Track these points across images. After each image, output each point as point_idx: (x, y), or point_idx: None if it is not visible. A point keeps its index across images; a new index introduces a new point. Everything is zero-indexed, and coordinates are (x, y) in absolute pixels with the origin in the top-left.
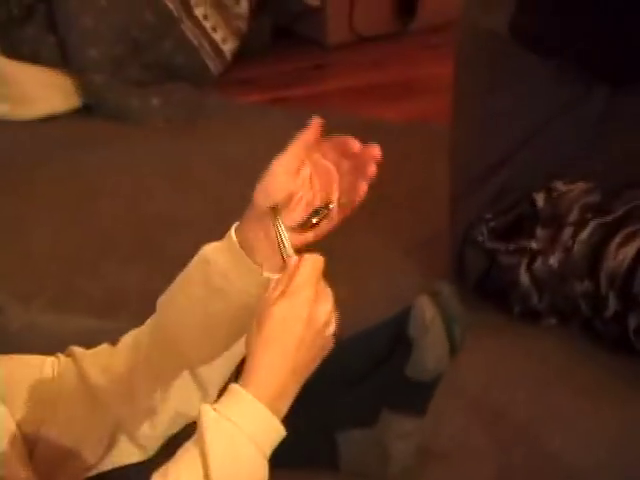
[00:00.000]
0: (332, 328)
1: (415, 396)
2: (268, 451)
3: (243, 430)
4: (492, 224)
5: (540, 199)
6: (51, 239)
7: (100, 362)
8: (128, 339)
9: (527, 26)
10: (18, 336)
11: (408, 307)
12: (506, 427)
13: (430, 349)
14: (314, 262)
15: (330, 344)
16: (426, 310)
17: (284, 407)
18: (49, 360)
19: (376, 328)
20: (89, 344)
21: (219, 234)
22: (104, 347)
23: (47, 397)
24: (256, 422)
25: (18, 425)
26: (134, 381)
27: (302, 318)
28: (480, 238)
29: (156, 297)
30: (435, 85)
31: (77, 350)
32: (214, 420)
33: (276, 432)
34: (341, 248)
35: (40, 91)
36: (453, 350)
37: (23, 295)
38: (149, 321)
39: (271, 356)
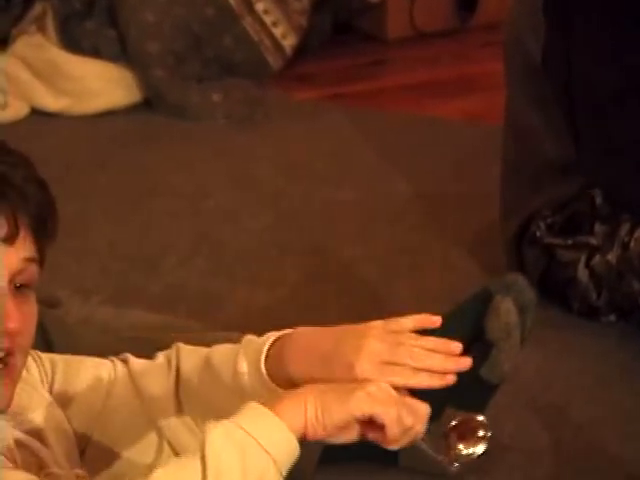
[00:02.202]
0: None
1: (480, 394)
2: (269, 445)
3: (237, 424)
4: (550, 220)
5: (598, 196)
6: (111, 235)
7: (153, 377)
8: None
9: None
10: (76, 328)
11: (473, 303)
12: (565, 426)
13: (510, 352)
14: None
15: (363, 399)
16: (511, 315)
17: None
18: (105, 364)
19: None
20: (146, 338)
21: (278, 231)
22: (161, 363)
23: (100, 401)
24: (251, 417)
25: (71, 424)
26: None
27: None
28: (538, 233)
29: (215, 293)
30: (494, 82)
31: (131, 359)
32: (214, 424)
33: (271, 422)
34: (401, 243)
35: (100, 86)
36: (522, 340)
37: (83, 290)
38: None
39: None
